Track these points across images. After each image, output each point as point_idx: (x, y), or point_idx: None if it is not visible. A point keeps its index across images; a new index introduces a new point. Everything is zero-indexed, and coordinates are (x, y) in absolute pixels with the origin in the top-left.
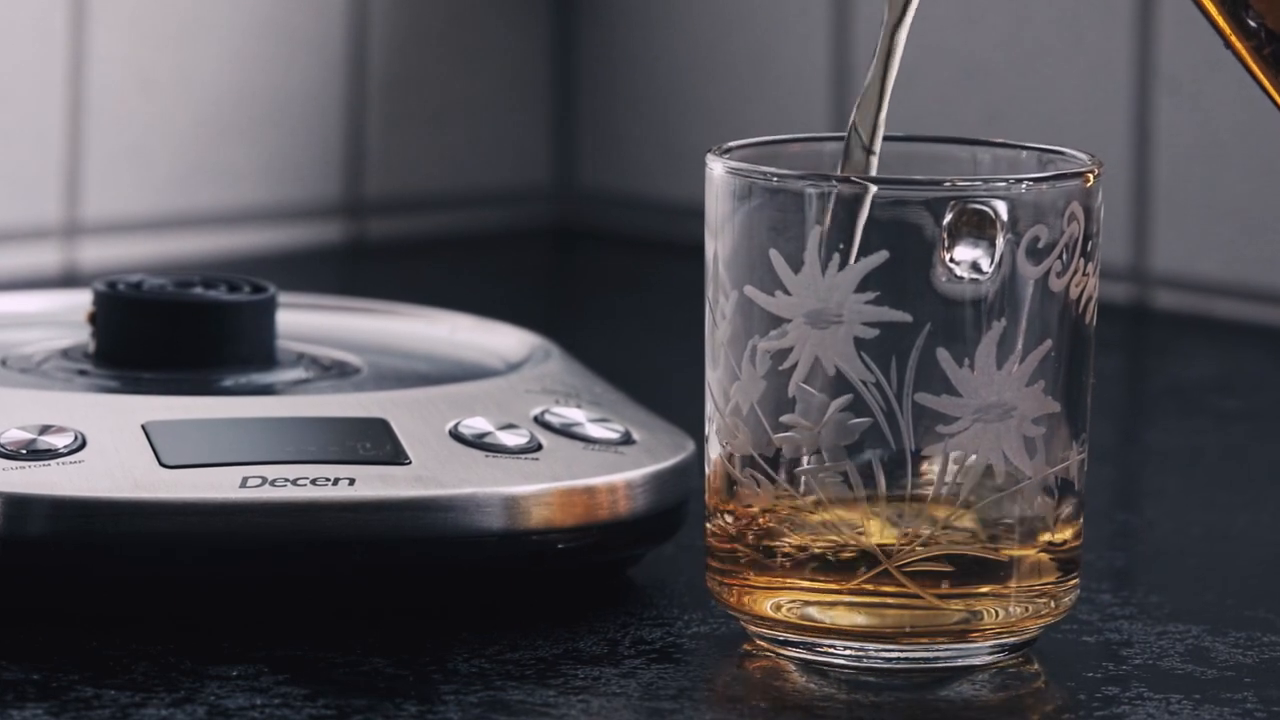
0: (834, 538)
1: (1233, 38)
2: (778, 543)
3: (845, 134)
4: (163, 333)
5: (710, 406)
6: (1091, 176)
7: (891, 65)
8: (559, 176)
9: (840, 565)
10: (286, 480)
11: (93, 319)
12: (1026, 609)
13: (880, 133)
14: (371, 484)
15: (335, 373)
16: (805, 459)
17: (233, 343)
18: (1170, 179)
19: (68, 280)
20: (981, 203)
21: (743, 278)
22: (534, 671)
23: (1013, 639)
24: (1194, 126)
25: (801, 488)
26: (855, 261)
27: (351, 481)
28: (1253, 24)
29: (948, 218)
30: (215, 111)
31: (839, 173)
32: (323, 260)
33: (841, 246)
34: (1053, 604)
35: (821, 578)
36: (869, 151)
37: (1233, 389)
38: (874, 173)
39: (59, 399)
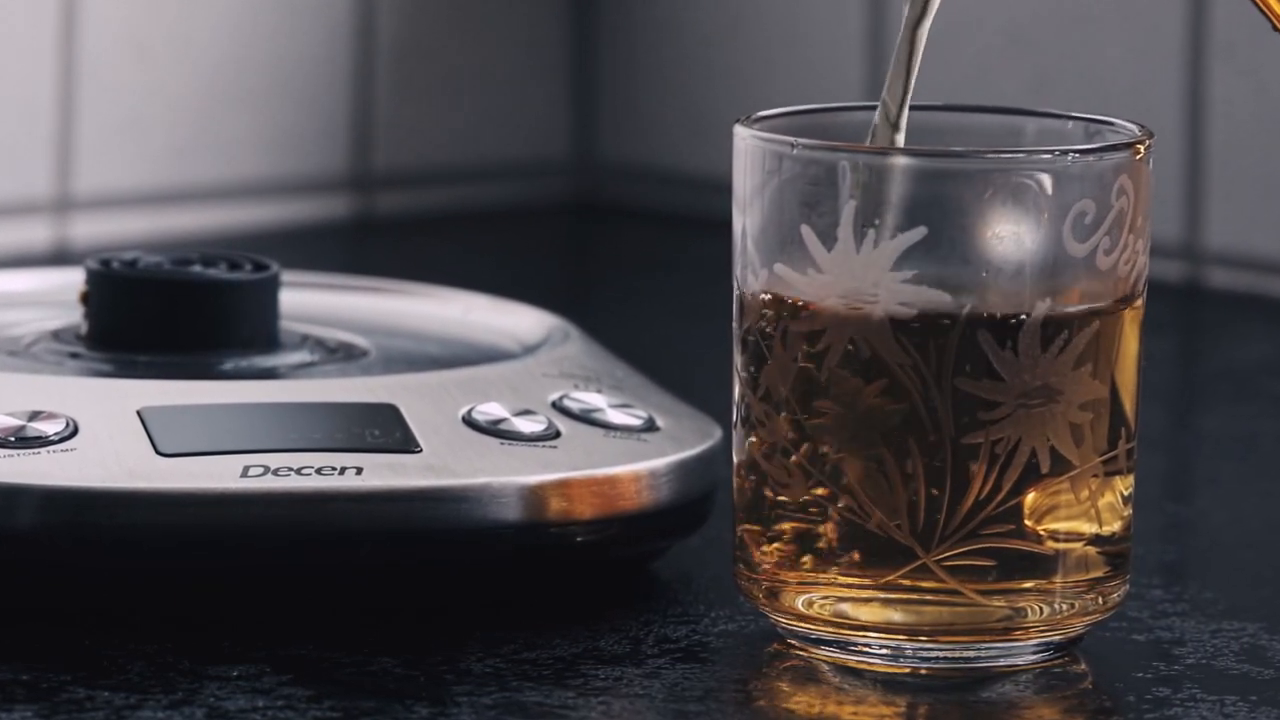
0: (869, 530)
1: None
2: (809, 536)
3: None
4: (159, 313)
5: (738, 391)
6: (1141, 148)
7: (920, 33)
8: (578, 148)
9: (876, 560)
10: (290, 469)
11: (85, 299)
12: (1073, 606)
13: (906, 107)
14: (380, 473)
15: (342, 356)
16: (838, 447)
17: (233, 324)
18: (1225, 151)
19: (59, 258)
20: (1025, 176)
21: (773, 255)
22: (552, 672)
23: (1058, 637)
24: (1250, 96)
25: (835, 478)
26: (892, 238)
27: (359, 471)
28: None
29: (989, 191)
30: (215, 80)
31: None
32: (328, 237)
33: (876, 222)
34: (1100, 600)
35: (856, 573)
36: (893, 126)
37: None
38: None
39: (49, 383)
